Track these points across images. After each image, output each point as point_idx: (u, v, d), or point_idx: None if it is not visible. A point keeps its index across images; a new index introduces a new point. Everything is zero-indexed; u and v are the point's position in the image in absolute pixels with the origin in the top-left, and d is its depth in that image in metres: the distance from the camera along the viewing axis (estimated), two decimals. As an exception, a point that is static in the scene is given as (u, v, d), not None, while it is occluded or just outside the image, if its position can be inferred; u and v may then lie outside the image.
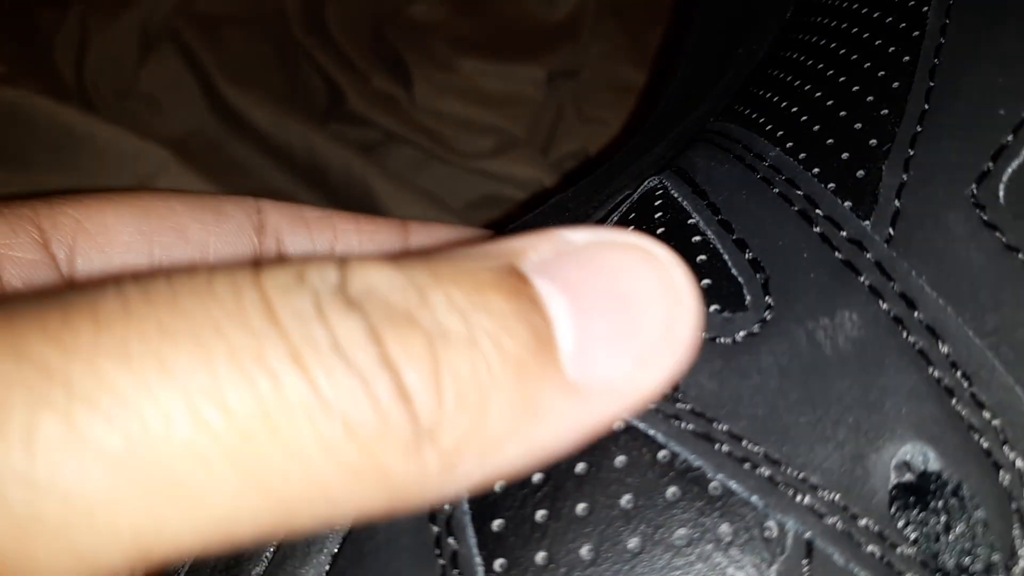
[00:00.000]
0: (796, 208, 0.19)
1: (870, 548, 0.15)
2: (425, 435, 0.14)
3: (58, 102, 0.40)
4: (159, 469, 0.12)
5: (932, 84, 0.19)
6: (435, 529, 0.17)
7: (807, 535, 0.15)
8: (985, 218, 0.17)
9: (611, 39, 0.49)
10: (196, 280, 0.14)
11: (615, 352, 0.15)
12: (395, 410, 0.14)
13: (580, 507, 0.16)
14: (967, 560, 0.15)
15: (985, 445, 0.16)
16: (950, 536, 0.16)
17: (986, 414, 0.16)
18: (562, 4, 0.49)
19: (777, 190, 0.19)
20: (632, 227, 0.21)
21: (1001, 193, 0.18)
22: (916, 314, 0.17)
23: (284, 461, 0.13)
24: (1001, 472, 0.16)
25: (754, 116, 0.22)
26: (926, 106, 0.19)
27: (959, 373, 0.16)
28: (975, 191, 0.18)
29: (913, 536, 0.16)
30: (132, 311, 0.13)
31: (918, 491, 0.16)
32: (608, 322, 0.15)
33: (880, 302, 0.17)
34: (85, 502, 0.12)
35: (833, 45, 0.22)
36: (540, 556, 0.16)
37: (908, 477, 0.16)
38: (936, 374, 0.16)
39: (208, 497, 0.13)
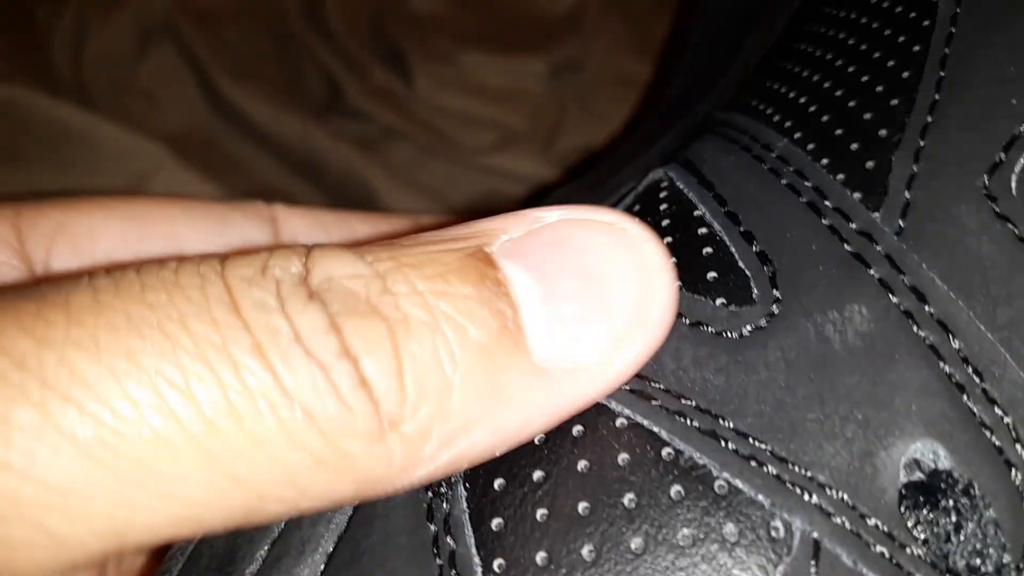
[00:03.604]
0: (804, 200, 0.18)
1: (879, 548, 0.15)
2: (388, 423, 0.14)
3: (54, 98, 0.40)
4: (129, 456, 0.13)
5: (943, 74, 0.19)
6: (432, 528, 0.16)
7: (814, 535, 0.15)
8: (997, 210, 0.17)
9: (614, 32, 0.48)
10: (163, 272, 0.14)
11: (586, 334, 0.15)
12: (356, 399, 0.14)
13: (581, 506, 0.16)
14: (978, 561, 0.15)
15: (997, 443, 0.16)
16: (960, 536, 0.15)
17: (998, 411, 0.16)
18: (564, -3, 0.49)
19: (785, 181, 0.19)
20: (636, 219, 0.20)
21: (1013, 184, 0.17)
22: (927, 308, 0.16)
23: (249, 449, 0.14)
24: (1013, 471, 0.16)
25: (761, 106, 0.22)
26: (936, 96, 0.19)
27: (970, 369, 0.16)
28: (987, 182, 0.17)
29: (923, 536, 0.15)
30: (102, 304, 0.14)
31: (928, 490, 0.15)
32: (579, 304, 0.16)
33: (890, 295, 0.17)
34: (60, 486, 0.13)
35: (842, 35, 0.22)
36: (540, 556, 0.15)
37: (918, 476, 0.16)
38: (947, 370, 0.16)
39: (177, 483, 0.13)
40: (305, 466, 0.14)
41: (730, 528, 0.15)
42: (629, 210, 0.21)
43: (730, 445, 0.16)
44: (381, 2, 0.47)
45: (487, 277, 0.16)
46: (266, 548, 0.18)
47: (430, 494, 0.17)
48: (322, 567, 0.17)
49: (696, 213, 0.20)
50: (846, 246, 0.17)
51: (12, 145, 0.39)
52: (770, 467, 0.15)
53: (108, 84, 0.42)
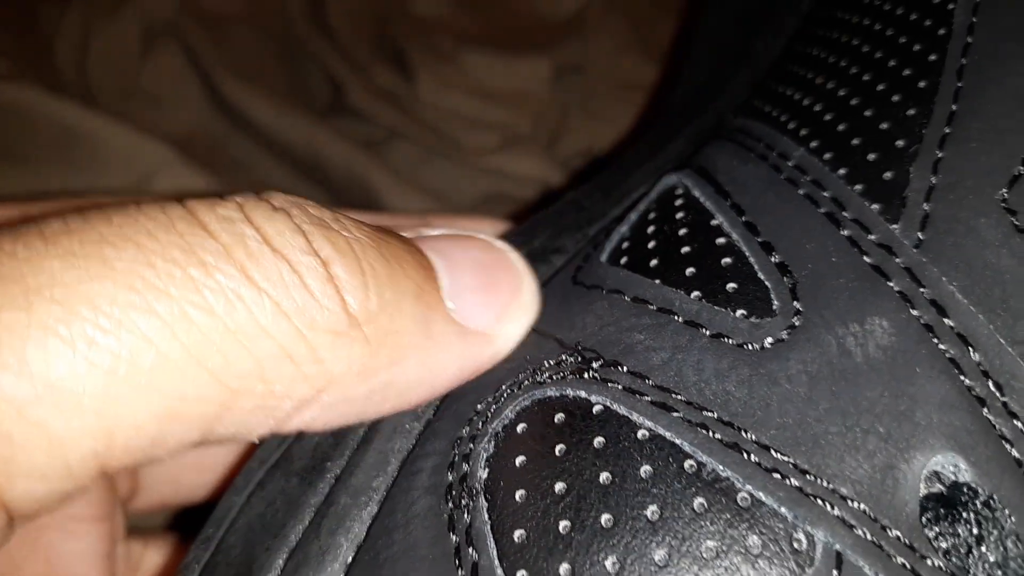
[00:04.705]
0: (823, 210, 0.19)
1: (900, 560, 0.15)
2: (352, 322, 0.16)
3: (59, 99, 0.39)
4: (112, 349, 0.14)
5: (960, 84, 0.19)
6: (454, 539, 0.16)
7: (837, 547, 0.15)
8: (1017, 223, 0.17)
9: (617, 34, 0.48)
10: (126, 206, 0.16)
11: (482, 303, 0.19)
12: (324, 292, 0.16)
13: (604, 518, 0.16)
14: (999, 572, 0.15)
15: (1017, 455, 0.16)
16: (982, 548, 0.15)
17: (1018, 424, 0.16)
18: (568, -1, 0.49)
19: (803, 191, 0.19)
20: (652, 227, 0.21)
21: None
22: (947, 321, 0.17)
23: (222, 340, 0.15)
24: None
25: (775, 113, 0.22)
26: (954, 107, 0.19)
27: (991, 382, 0.16)
28: (1006, 195, 0.17)
29: (944, 548, 0.15)
30: (73, 228, 0.15)
31: (949, 502, 0.15)
32: (474, 276, 0.19)
33: (911, 309, 0.17)
34: (50, 382, 0.14)
35: (856, 42, 0.22)
36: (563, 568, 0.15)
37: (939, 488, 0.16)
38: (967, 383, 0.16)
39: (156, 375, 0.14)
40: (273, 358, 0.15)
41: (753, 540, 0.15)
42: (644, 218, 0.21)
43: (752, 457, 0.16)
44: (384, 4, 0.47)
45: (408, 241, 0.18)
46: (284, 557, 0.18)
47: (451, 505, 0.17)
48: (341, 576, 0.17)
49: (714, 223, 0.20)
50: (866, 258, 0.18)
51: (16, 145, 0.39)
52: (792, 479, 0.15)
53: (112, 85, 0.42)
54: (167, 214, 0.15)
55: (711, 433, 0.16)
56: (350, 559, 0.18)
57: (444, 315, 0.18)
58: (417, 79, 0.46)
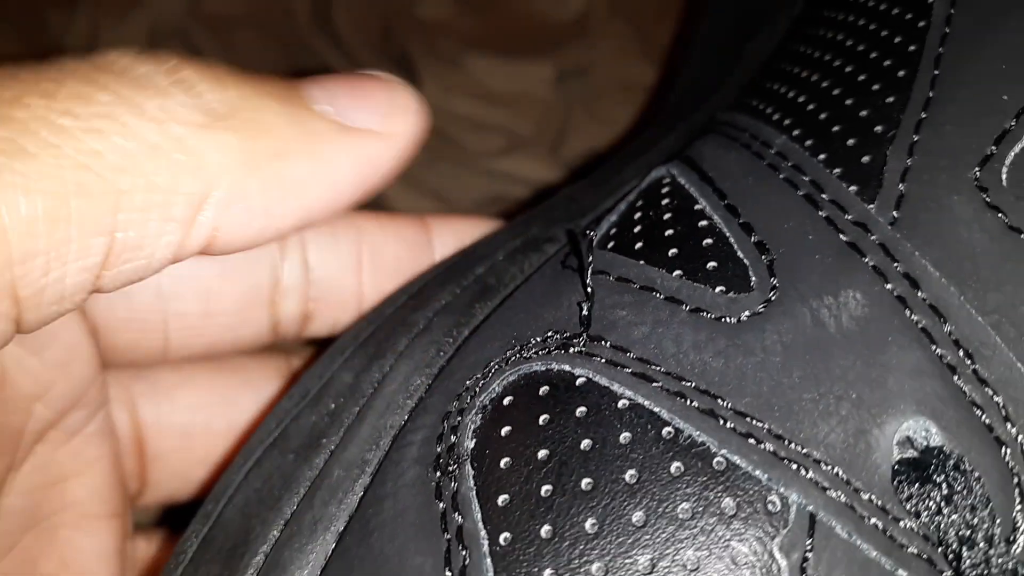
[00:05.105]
0: (802, 193, 0.19)
1: (873, 521, 0.15)
2: (213, 113, 0.18)
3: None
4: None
5: (937, 72, 0.20)
6: (441, 505, 0.17)
7: (810, 508, 0.15)
8: (988, 200, 0.18)
9: (620, 37, 0.49)
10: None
11: (357, 103, 0.20)
12: (180, 96, 0.17)
13: (585, 482, 0.16)
14: (968, 533, 0.15)
15: (987, 421, 0.16)
16: (952, 510, 0.16)
17: (988, 391, 0.16)
18: (571, 2, 0.50)
19: (783, 176, 0.20)
20: (639, 213, 0.21)
21: (1004, 176, 0.18)
22: (920, 293, 0.17)
23: (93, 142, 0.16)
24: (1003, 448, 0.16)
25: (761, 106, 0.22)
26: (931, 93, 0.19)
27: (961, 351, 0.17)
28: (978, 174, 0.18)
29: (915, 510, 0.16)
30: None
31: (920, 466, 0.16)
32: (342, 86, 0.20)
33: (884, 282, 0.17)
34: None
35: (840, 37, 0.22)
36: (545, 530, 0.16)
37: (910, 452, 0.16)
38: (939, 352, 0.17)
39: (31, 174, 0.16)
40: (144, 152, 0.17)
41: (728, 502, 0.16)
42: (632, 205, 0.22)
43: (728, 424, 0.16)
44: (389, 8, 0.48)
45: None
46: (279, 528, 0.19)
47: (438, 474, 0.17)
48: (333, 545, 0.18)
49: (697, 207, 0.20)
50: (842, 236, 0.18)
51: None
52: (767, 444, 0.16)
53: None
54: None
55: (688, 401, 0.17)
56: (342, 528, 0.18)
57: (314, 114, 0.19)
58: (421, 82, 0.46)
